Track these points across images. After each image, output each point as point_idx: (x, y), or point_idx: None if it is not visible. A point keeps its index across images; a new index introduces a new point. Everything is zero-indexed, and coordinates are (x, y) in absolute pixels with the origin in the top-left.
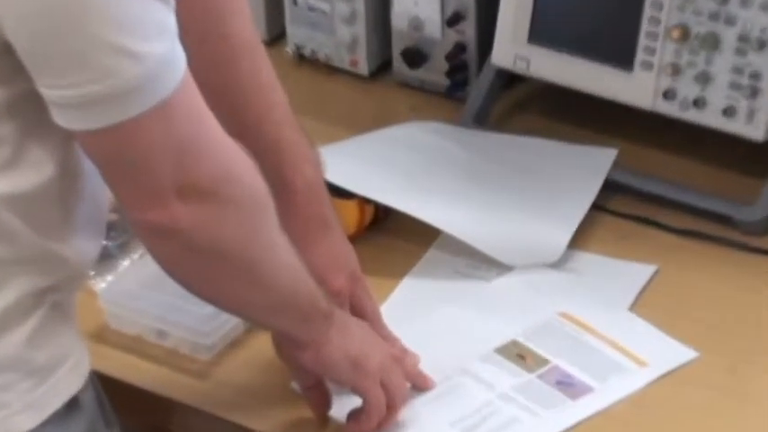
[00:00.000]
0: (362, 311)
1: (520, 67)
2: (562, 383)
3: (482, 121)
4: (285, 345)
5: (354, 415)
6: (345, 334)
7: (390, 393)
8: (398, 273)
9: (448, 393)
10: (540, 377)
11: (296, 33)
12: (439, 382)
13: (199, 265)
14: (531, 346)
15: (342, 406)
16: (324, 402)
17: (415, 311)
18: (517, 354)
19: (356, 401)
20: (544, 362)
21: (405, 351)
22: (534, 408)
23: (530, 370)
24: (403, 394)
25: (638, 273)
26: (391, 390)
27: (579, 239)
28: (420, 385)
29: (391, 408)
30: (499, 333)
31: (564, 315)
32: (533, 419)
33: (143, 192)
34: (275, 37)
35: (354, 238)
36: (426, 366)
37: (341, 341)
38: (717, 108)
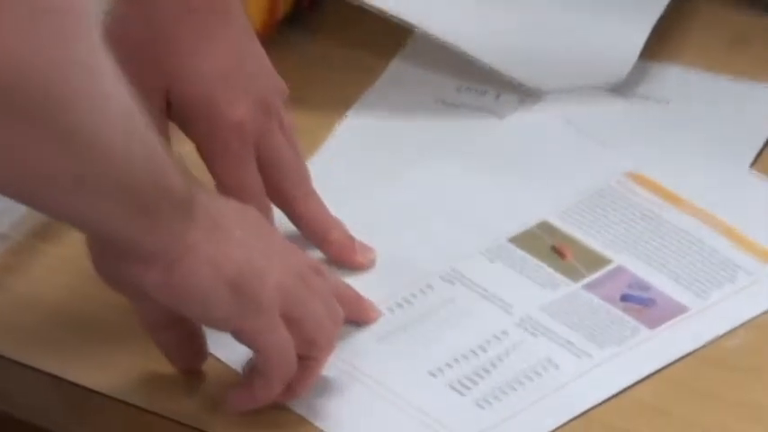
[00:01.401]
0: (276, 167)
1: None
2: (631, 299)
3: None
4: (111, 257)
5: (250, 374)
6: (219, 236)
7: (305, 335)
8: (338, 102)
9: (427, 319)
10: (590, 288)
11: None
12: (410, 298)
13: None
14: (574, 232)
15: (230, 345)
16: (190, 351)
17: (370, 171)
18: (551, 246)
19: None
20: (599, 261)
21: (348, 243)
22: (581, 343)
23: (573, 275)
24: (328, 334)
25: (766, 101)
26: (307, 329)
27: (663, 44)
28: (361, 315)
29: (308, 360)
30: (518, 209)
31: (634, 177)
32: (579, 363)
33: None
34: None
35: (261, 42)
36: (388, 269)
37: (211, 250)
38: None
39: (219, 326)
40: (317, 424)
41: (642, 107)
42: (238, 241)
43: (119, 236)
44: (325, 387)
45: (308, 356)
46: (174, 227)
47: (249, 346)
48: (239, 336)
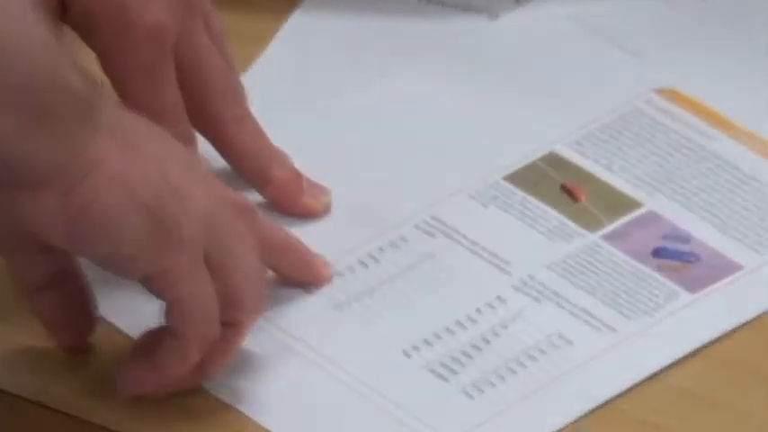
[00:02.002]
0: (201, 81)
1: None
2: (667, 254)
3: None
4: None
5: (154, 343)
6: (131, 151)
7: (229, 291)
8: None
9: (399, 281)
10: (613, 240)
11: None
12: (376, 254)
13: None
14: (591, 166)
15: (130, 309)
16: (77, 317)
17: (324, 86)
18: (561, 185)
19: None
20: (623, 204)
21: (294, 182)
22: (601, 311)
23: (590, 223)
24: (257, 294)
25: None
26: (232, 283)
27: None
28: (309, 274)
29: (228, 327)
30: (517, 137)
31: (667, 94)
32: (599, 339)
33: None
34: None
35: None
36: (348, 217)
37: (121, 166)
38: None
39: (129, 268)
40: (250, 414)
41: (675, 3)
42: (155, 158)
43: (3, 151)
44: (261, 367)
45: (229, 321)
46: (75, 135)
47: (163, 296)
48: (152, 282)
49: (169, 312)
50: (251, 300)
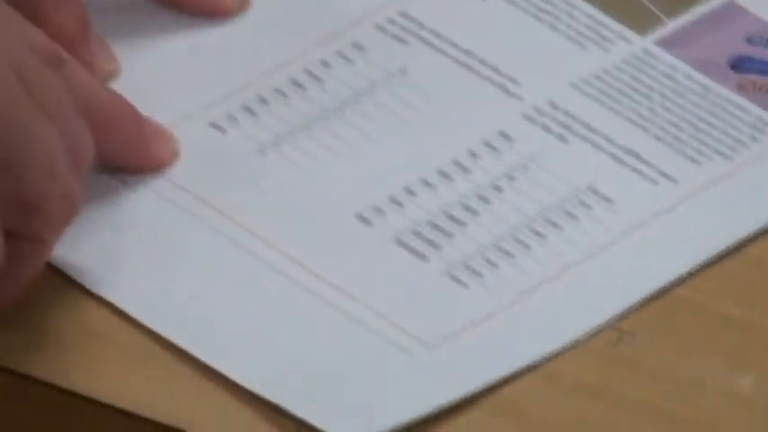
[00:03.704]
0: None
1: None
2: (753, 66)
3: None
4: None
5: None
6: None
7: (16, 188)
8: None
9: (352, 108)
10: (672, 46)
11: None
12: (316, 68)
13: None
14: None
15: None
16: None
17: None
18: None
19: None
20: None
21: None
22: (655, 152)
23: (638, 20)
24: (62, 190)
25: None
26: (20, 176)
27: None
28: (132, 157)
29: (20, 241)
30: None
31: None
32: (652, 193)
33: None
34: None
35: None
36: (274, 12)
37: None
38: None
39: None
40: (115, 301)
41: None
42: None
43: None
44: (133, 237)
45: (20, 233)
46: None
47: None
48: None
49: None
50: (51, 202)
